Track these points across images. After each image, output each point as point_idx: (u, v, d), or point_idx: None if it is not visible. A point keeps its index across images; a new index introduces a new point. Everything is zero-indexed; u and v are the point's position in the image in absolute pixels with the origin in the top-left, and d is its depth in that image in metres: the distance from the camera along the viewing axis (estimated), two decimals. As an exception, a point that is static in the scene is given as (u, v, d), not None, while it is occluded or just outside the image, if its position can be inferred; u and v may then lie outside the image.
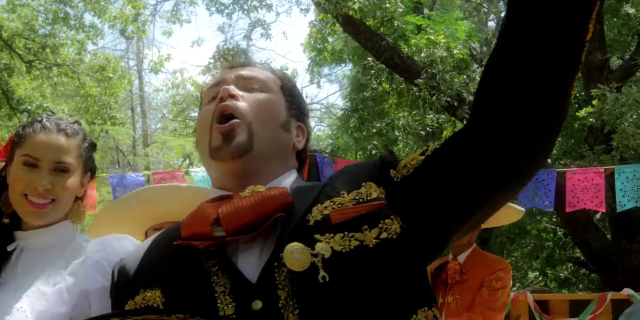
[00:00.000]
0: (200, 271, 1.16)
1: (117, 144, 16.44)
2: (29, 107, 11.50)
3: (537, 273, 12.85)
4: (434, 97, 7.25)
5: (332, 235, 1.11)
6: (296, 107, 1.38)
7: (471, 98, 7.66)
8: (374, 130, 7.22)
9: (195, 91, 19.01)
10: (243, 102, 1.28)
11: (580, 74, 8.92)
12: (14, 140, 1.73)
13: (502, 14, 14.97)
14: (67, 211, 1.73)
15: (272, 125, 1.30)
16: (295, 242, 1.10)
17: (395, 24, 7.86)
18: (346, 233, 1.12)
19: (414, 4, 9.54)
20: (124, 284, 1.28)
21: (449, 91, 7.35)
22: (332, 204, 1.17)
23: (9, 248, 1.69)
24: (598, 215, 8.96)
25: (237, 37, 19.01)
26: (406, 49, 8.19)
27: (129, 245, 1.68)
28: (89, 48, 12.42)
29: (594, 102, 6.46)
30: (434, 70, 7.42)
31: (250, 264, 1.15)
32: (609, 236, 8.41)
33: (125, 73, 14.29)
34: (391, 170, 1.23)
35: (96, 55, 12.56)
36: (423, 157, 1.19)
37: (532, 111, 1.07)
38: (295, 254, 1.09)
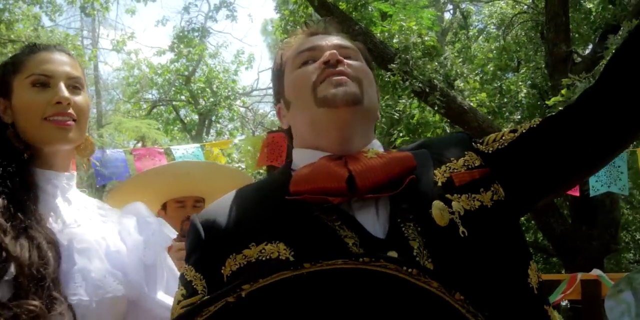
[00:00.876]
0: (323, 225, 1.19)
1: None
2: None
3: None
4: (407, 83, 7.34)
5: (459, 195, 1.22)
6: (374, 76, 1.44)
7: (442, 85, 7.80)
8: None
9: (150, 73, 18.73)
10: (349, 66, 1.32)
11: (544, 65, 9.16)
12: (6, 71, 1.57)
13: (460, 5, 15.24)
14: (82, 139, 1.60)
15: (373, 89, 1.36)
16: (438, 201, 1.19)
17: (369, 9, 7.90)
18: (469, 194, 1.23)
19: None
20: (218, 239, 1.27)
21: (421, 77, 7.45)
22: (448, 168, 1.28)
23: (46, 191, 1.53)
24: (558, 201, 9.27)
25: (201, 18, 18.67)
26: (378, 35, 8.25)
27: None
28: (45, 25, 12.10)
29: (563, 91, 6.66)
30: (407, 56, 7.50)
31: (368, 219, 1.20)
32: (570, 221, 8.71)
33: (83, 51, 13.91)
34: (477, 144, 1.36)
35: (53, 32, 12.22)
36: (516, 134, 1.32)
37: None
38: (441, 211, 1.18)
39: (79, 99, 1.56)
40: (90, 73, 14.63)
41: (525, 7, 11.67)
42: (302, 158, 1.34)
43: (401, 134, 8.42)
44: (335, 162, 1.24)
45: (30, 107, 1.51)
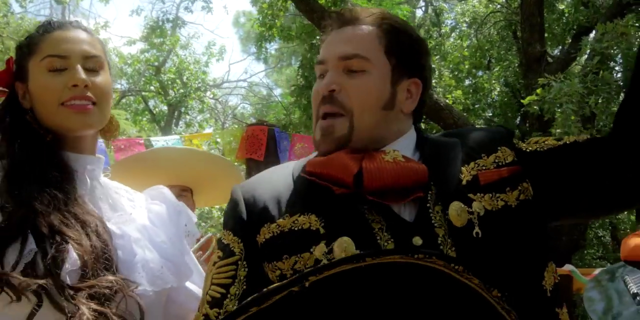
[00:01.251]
0: (351, 205, 1.25)
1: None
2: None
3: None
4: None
5: (482, 195, 1.24)
6: (406, 63, 1.37)
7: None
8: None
9: (120, 63, 18.47)
10: (343, 94, 1.31)
11: (518, 64, 9.30)
12: (21, 54, 1.49)
13: (432, 2, 15.37)
14: (106, 121, 1.50)
15: (373, 111, 1.33)
16: (457, 201, 1.21)
17: (348, 4, 7.92)
18: (494, 193, 1.24)
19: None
20: (256, 209, 1.34)
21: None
22: (476, 165, 1.28)
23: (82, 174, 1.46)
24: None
25: (175, 8, 18.43)
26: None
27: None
28: (15, 11, 11.85)
29: (538, 90, 6.79)
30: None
31: (394, 206, 1.25)
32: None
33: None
34: (519, 141, 1.36)
35: (23, 19, 11.97)
36: (560, 142, 1.33)
37: None
38: (458, 212, 1.20)
39: (98, 80, 1.45)
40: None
41: (499, 6, 11.82)
42: None
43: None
44: (351, 156, 1.28)
45: (46, 92, 1.42)
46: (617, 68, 8.33)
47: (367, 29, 1.35)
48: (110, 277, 1.26)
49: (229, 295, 1.28)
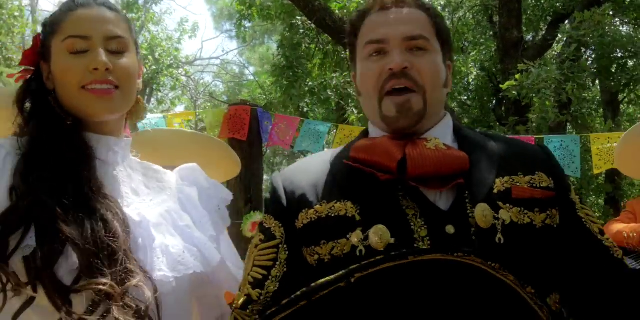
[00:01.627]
0: (387, 191, 1.28)
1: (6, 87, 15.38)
2: None
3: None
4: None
5: (511, 206, 1.26)
6: (448, 46, 1.44)
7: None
8: (306, 89, 7.35)
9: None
10: (415, 71, 1.34)
11: (495, 48, 9.39)
12: (45, 33, 1.44)
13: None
14: (132, 104, 1.47)
15: (439, 88, 1.39)
16: (484, 204, 1.24)
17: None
18: (522, 209, 1.27)
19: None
20: (295, 195, 1.38)
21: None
22: (511, 180, 1.30)
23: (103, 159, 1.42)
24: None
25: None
26: (337, 11, 8.29)
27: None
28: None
29: (517, 76, 6.91)
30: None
31: (430, 194, 1.28)
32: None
33: (24, 12, 13.34)
34: (573, 193, 1.38)
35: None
36: (599, 237, 1.36)
37: None
38: (484, 213, 1.23)
39: (122, 62, 1.40)
40: (28, 37, 14.05)
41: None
42: (373, 131, 1.45)
43: (355, 111, 8.53)
44: (395, 142, 1.33)
45: (67, 75, 1.37)
46: (593, 56, 8.50)
47: (418, 12, 1.40)
48: (103, 280, 1.19)
49: (270, 277, 1.34)
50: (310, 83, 7.56)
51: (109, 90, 1.37)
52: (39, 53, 1.46)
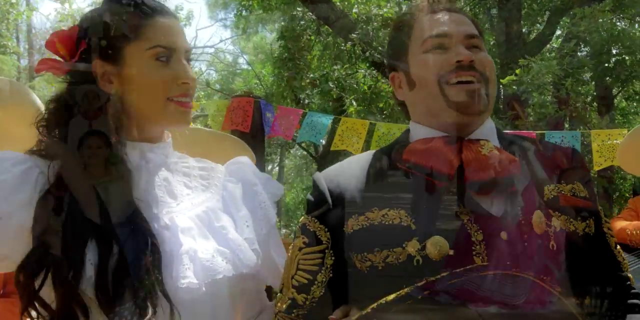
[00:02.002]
0: (442, 198, 1.31)
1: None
2: None
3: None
4: (367, 53, 7.45)
5: (559, 214, 1.31)
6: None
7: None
8: (308, 81, 7.37)
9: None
10: (479, 65, 1.38)
11: (494, 42, 9.41)
12: (116, 35, 1.39)
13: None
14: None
15: (495, 83, 1.43)
16: (539, 211, 1.28)
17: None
18: (568, 217, 1.32)
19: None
20: (342, 199, 1.39)
21: (380, 48, 7.58)
22: (556, 188, 1.35)
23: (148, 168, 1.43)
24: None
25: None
26: (338, 3, 8.30)
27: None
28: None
29: (517, 71, 6.94)
30: (368, 27, 7.59)
31: (482, 200, 1.30)
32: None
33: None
34: (592, 186, 1.43)
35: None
36: (604, 229, 1.42)
37: None
38: (540, 220, 1.27)
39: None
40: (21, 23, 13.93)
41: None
42: (419, 132, 1.44)
43: (354, 103, 8.57)
44: (450, 148, 1.34)
45: (154, 84, 1.40)
46: (590, 52, 8.54)
47: (465, 17, 1.46)
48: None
49: (316, 282, 1.36)
50: (311, 75, 7.57)
51: (190, 104, 1.46)
52: (76, 44, 1.42)
